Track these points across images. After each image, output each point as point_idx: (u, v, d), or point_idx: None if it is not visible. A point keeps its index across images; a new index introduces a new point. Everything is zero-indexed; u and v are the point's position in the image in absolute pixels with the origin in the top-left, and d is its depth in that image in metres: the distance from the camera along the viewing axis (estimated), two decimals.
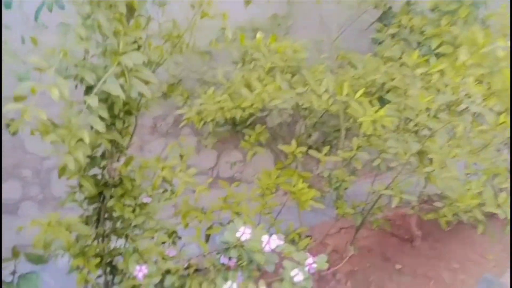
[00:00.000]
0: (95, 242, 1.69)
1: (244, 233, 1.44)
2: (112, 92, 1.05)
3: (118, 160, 1.60)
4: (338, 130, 2.13)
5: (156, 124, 2.71)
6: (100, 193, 1.64)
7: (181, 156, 1.98)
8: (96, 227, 1.74)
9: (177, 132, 2.71)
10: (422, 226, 3.19)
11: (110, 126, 1.49)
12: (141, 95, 1.47)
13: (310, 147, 2.08)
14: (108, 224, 1.76)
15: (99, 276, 1.75)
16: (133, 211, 1.62)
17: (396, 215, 3.30)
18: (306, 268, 1.59)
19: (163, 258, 1.61)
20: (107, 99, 1.41)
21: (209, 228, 2.03)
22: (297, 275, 1.49)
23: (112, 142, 1.55)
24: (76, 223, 1.47)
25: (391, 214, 2.97)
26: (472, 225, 2.10)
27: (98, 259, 1.56)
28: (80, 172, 1.54)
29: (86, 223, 1.70)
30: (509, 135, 1.72)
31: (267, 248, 1.44)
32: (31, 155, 2.47)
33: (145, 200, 1.66)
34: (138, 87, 1.11)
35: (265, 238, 1.45)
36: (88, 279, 1.52)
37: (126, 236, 1.69)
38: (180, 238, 2.03)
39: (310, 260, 1.63)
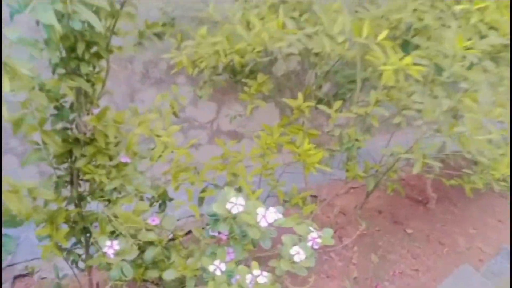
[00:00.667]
0: (71, 207, 1.47)
1: (235, 204, 1.19)
2: (43, 20, 0.76)
3: (88, 114, 1.34)
4: (353, 82, 1.82)
5: (147, 71, 2.42)
6: (70, 151, 1.39)
7: (172, 107, 1.71)
8: (71, 189, 1.51)
9: (171, 80, 2.41)
10: (438, 188, 2.95)
11: (73, 70, 1.21)
12: (109, 31, 1.17)
13: (320, 101, 1.78)
14: (85, 186, 1.53)
15: (76, 245, 1.55)
16: (109, 173, 1.37)
17: (410, 175, 3.04)
18: (309, 243, 1.37)
19: (145, 228, 1.38)
20: (68, 36, 1.13)
21: (203, 190, 1.80)
22: (298, 254, 1.26)
23: (78, 90, 1.27)
24: (35, 187, 1.24)
25: (404, 173, 2.71)
26: (501, 194, 1.84)
27: (66, 229, 1.34)
28: (42, 127, 1.28)
29: (57, 185, 1.47)
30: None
31: (263, 223, 1.20)
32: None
33: (123, 160, 1.41)
34: (84, 15, 0.82)
35: (261, 211, 1.21)
36: (57, 251, 1.31)
37: (107, 200, 1.46)
38: (170, 200, 1.81)
39: (314, 234, 1.39)
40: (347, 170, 1.97)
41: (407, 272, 2.51)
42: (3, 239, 1.41)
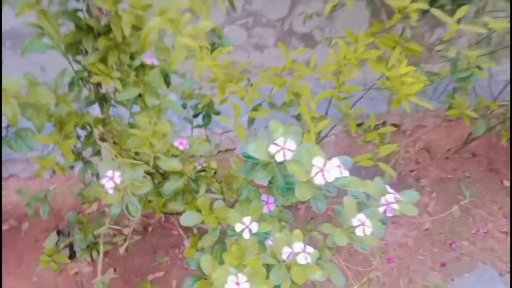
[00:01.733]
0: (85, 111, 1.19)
1: (282, 149, 0.82)
2: None
3: None
4: None
5: None
6: (81, 42, 1.06)
7: None
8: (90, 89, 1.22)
9: None
10: None
11: None
12: None
13: (433, 2, 1.22)
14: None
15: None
16: (125, 76, 1.04)
17: None
18: (382, 209, 0.99)
19: (168, 152, 1.08)
20: None
21: (254, 109, 1.43)
22: (363, 227, 0.90)
23: None
24: (33, 83, 0.95)
25: None
26: None
27: (73, 139, 1.08)
28: (39, 4, 0.95)
29: (72, 83, 1.18)
30: None
31: (319, 179, 0.82)
32: None
33: (148, 60, 1.06)
34: None
35: (318, 162, 0.83)
36: (59, 167, 1.07)
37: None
38: (216, 114, 1.49)
39: (390, 197, 1.00)
40: (450, 106, 1.46)
41: (494, 233, 2.06)
42: (25, 132, 1.18)
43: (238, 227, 0.88)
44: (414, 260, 1.90)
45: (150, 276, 1.72)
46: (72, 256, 1.70)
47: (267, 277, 0.82)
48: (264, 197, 0.99)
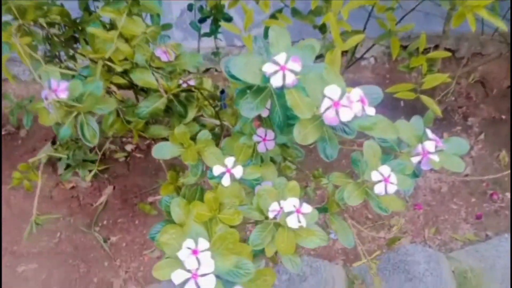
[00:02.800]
0: None
1: (282, 69, 0.57)
2: None
3: None
4: None
5: None
6: None
7: None
8: None
9: None
10: None
11: None
12: None
13: None
14: None
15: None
16: None
17: None
18: (416, 159, 0.75)
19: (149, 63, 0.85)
20: None
21: (273, 15, 1.14)
22: (387, 184, 0.66)
23: None
24: None
25: None
26: None
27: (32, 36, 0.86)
28: None
29: None
30: None
31: (330, 117, 0.58)
32: None
33: None
34: None
35: (332, 91, 0.58)
36: (8, 73, 0.87)
37: None
38: (227, 19, 1.22)
39: (429, 145, 0.75)
40: None
41: None
42: None
43: (216, 170, 0.66)
44: (446, 209, 1.67)
45: (150, 198, 1.59)
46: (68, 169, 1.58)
47: (246, 241, 0.62)
48: (261, 131, 0.76)
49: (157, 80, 0.79)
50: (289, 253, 0.58)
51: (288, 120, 0.67)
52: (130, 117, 0.93)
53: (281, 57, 0.59)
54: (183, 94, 0.90)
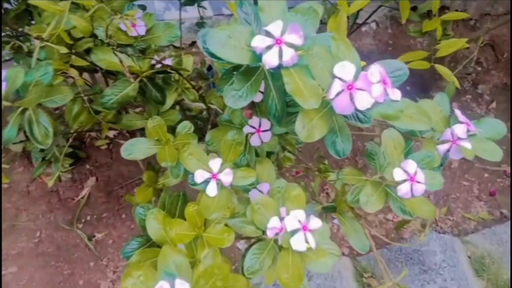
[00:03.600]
0: None
1: (278, 43, 0.42)
2: None
3: None
4: None
5: None
6: None
7: None
8: None
9: None
10: None
11: None
12: None
13: None
14: None
15: None
16: None
17: None
18: (443, 147, 0.61)
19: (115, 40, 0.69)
20: None
21: None
22: (410, 183, 0.53)
23: None
24: None
25: None
26: None
27: None
28: None
29: None
30: None
31: (343, 105, 0.44)
32: None
33: None
34: None
35: (345, 69, 0.43)
36: None
37: None
38: None
39: (459, 129, 0.62)
40: None
41: None
42: None
43: (198, 176, 0.52)
44: (457, 186, 1.55)
45: (137, 188, 1.45)
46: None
47: (242, 263, 0.49)
48: (254, 121, 0.61)
49: (120, 61, 0.63)
50: (296, 285, 0.45)
51: (288, 108, 0.53)
52: (98, 106, 0.78)
53: (275, 27, 0.44)
54: (160, 76, 0.75)
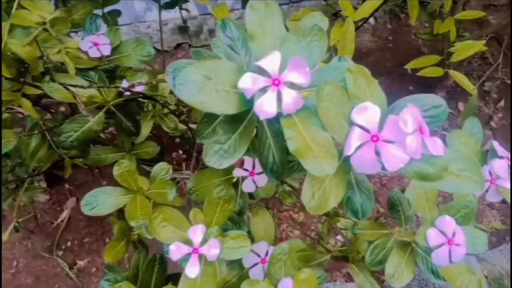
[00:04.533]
0: None
1: (275, 84, 0.30)
2: None
3: None
4: None
5: None
6: None
7: None
8: None
9: None
10: None
11: None
12: None
13: None
14: None
15: None
16: None
17: None
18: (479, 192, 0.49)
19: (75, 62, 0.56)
20: None
21: None
22: (449, 247, 0.41)
23: None
24: None
25: None
26: None
27: None
28: None
29: None
30: None
31: (366, 158, 0.32)
32: None
33: None
34: None
35: (366, 114, 0.31)
36: None
37: None
38: None
39: (500, 166, 0.50)
40: None
41: None
42: None
43: (175, 251, 0.40)
44: None
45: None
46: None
47: None
48: (246, 162, 0.49)
49: (74, 97, 0.51)
50: None
51: (289, 156, 0.41)
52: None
53: (271, 62, 0.32)
54: (131, 103, 0.62)
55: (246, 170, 0.51)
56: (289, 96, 0.32)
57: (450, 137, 0.49)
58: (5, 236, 0.77)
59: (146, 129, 0.63)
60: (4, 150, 0.48)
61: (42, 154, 0.64)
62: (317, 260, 0.57)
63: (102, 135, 0.75)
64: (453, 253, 0.42)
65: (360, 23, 1.37)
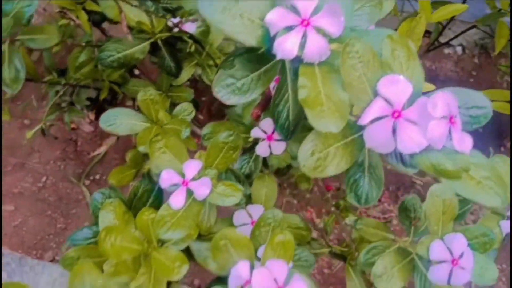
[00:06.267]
0: None
1: (303, 24, 0.27)
2: None
3: None
4: None
5: None
6: None
7: None
8: None
9: None
10: None
11: None
12: None
13: None
14: None
15: None
16: None
17: None
18: (506, 226, 0.44)
19: None
20: None
21: None
22: (454, 268, 0.36)
23: None
24: None
25: None
26: None
27: None
28: None
29: None
30: None
31: (381, 134, 0.29)
32: None
33: None
34: None
35: (395, 87, 0.28)
36: None
37: None
38: None
39: None
40: None
41: None
42: None
43: (166, 178, 0.39)
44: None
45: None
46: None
47: None
48: (265, 123, 0.47)
49: (120, 10, 0.51)
50: None
51: (306, 121, 0.38)
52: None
53: (307, 2, 0.29)
54: (179, 42, 0.62)
55: (264, 132, 0.49)
56: (315, 42, 0.29)
57: (494, 157, 0.44)
58: (28, 135, 0.82)
59: (187, 73, 0.63)
60: (43, 45, 0.50)
61: (86, 70, 0.66)
62: (313, 249, 0.54)
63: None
64: (454, 275, 0.38)
65: (443, 42, 1.29)
